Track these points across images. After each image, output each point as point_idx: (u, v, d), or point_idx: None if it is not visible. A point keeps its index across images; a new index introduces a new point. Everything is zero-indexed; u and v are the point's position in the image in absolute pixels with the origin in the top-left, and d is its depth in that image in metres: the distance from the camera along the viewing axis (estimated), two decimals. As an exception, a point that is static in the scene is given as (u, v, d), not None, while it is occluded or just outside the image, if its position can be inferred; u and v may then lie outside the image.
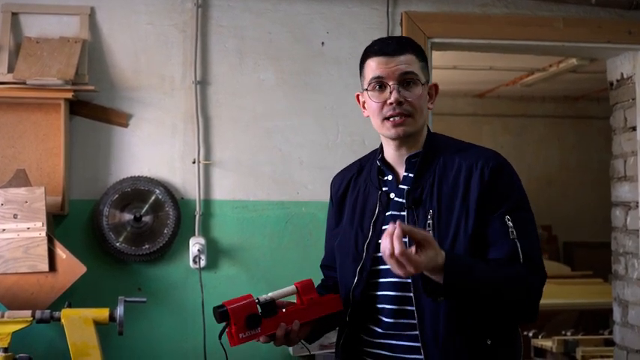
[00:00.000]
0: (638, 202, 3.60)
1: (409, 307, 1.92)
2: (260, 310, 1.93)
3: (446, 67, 6.07)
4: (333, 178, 2.20)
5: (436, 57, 3.84)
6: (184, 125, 3.30)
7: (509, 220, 1.90)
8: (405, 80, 1.95)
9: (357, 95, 2.06)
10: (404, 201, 1.97)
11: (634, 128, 3.64)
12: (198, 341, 3.21)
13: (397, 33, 3.42)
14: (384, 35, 3.38)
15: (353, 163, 2.19)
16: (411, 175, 1.99)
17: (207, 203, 3.30)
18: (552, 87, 7.22)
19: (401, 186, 2.00)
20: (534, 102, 8.05)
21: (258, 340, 1.94)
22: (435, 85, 2.06)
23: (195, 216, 3.27)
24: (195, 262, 3.24)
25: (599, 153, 7.20)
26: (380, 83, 1.96)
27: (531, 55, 4.01)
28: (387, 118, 1.96)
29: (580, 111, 8.12)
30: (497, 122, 8.06)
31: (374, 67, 1.96)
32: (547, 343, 4.87)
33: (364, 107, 2.04)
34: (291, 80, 3.39)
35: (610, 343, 4.24)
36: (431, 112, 3.38)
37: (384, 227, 1.91)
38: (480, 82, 7.04)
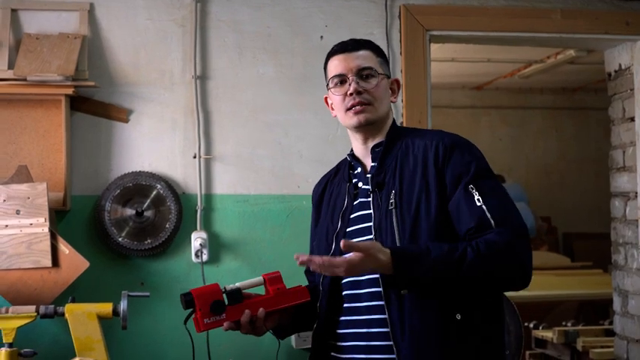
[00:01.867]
0: (637, 193, 3.61)
1: (377, 289, 1.96)
2: (225, 298, 1.98)
3: (444, 60, 6.09)
4: (314, 186, 2.31)
5: (434, 49, 3.85)
6: (184, 120, 3.32)
7: (472, 189, 1.94)
8: (363, 74, 2.07)
9: (326, 98, 2.19)
10: (370, 187, 2.04)
11: (632, 119, 3.65)
12: (201, 334, 3.21)
13: (395, 26, 3.43)
14: (383, 29, 3.40)
15: (332, 168, 2.29)
16: (376, 163, 2.08)
17: (208, 197, 3.32)
18: (550, 78, 7.23)
19: (368, 175, 2.08)
20: (532, 94, 8.06)
21: (225, 328, 1.98)
22: (397, 81, 2.17)
23: (196, 210, 3.29)
24: (197, 256, 3.26)
25: (598, 144, 7.23)
26: (341, 79, 2.09)
27: (529, 46, 4.02)
28: (349, 109, 2.07)
29: (578, 102, 8.13)
30: (496, 114, 8.08)
31: (335, 64, 2.10)
32: (548, 334, 4.89)
33: (332, 108, 2.15)
34: (291, 74, 3.40)
35: (610, 333, 4.25)
36: (429, 106, 3.42)
37: (352, 216, 2.06)
38: (478, 74, 7.06)
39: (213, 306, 1.96)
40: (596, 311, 5.66)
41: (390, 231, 1.95)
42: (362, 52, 2.09)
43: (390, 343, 1.92)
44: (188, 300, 1.97)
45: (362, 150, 2.13)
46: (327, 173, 2.28)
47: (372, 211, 2.01)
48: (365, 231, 2.02)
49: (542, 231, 7.48)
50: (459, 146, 2.01)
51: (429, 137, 2.05)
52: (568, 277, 6.27)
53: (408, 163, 2.01)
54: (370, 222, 2.00)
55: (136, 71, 3.30)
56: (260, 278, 2.04)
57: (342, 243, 1.82)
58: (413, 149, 2.04)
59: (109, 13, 3.29)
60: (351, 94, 2.05)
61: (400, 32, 3.43)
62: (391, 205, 1.97)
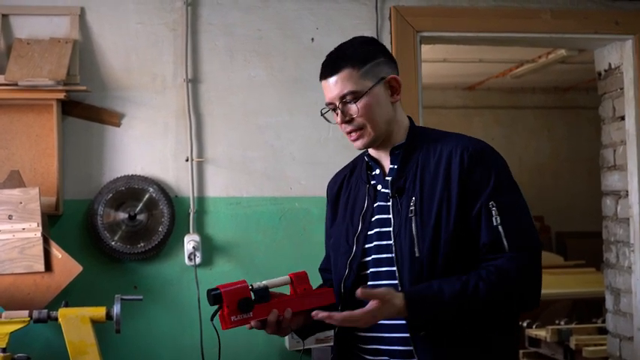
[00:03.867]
0: (628, 191, 3.63)
1: None
2: (253, 296, 1.95)
3: (435, 60, 6.09)
4: (329, 181, 2.27)
5: (425, 50, 3.86)
6: (176, 123, 3.32)
7: (492, 207, 1.93)
8: (345, 100, 2.01)
9: None
10: (389, 191, 2.02)
11: (623, 118, 3.67)
12: (195, 337, 3.23)
13: (386, 28, 3.44)
14: (373, 30, 3.41)
15: (347, 164, 2.25)
16: (395, 166, 2.05)
17: (201, 200, 3.32)
18: (542, 78, 7.25)
19: (387, 178, 2.06)
20: (524, 93, 8.07)
21: (250, 327, 1.96)
22: (394, 78, 2.06)
23: (189, 213, 3.29)
24: (190, 259, 3.26)
25: (590, 143, 7.23)
26: (331, 107, 2.06)
27: (519, 46, 4.03)
28: (348, 134, 2.05)
29: (570, 101, 8.15)
30: (488, 114, 8.09)
31: (324, 91, 2.06)
32: (541, 333, 4.91)
33: None
34: (282, 77, 3.40)
35: (603, 331, 4.27)
36: (421, 106, 3.43)
37: (372, 219, 2.03)
38: (469, 74, 7.07)
39: (241, 304, 1.92)
40: (590, 309, 5.69)
41: (409, 237, 1.95)
42: (340, 75, 2.00)
43: (411, 348, 1.93)
44: (216, 296, 1.92)
45: (379, 153, 2.10)
46: (343, 170, 2.24)
47: (391, 216, 2.00)
48: (384, 236, 2.01)
49: (535, 230, 7.48)
50: (484, 155, 1.98)
51: (454, 143, 2.00)
52: (561, 276, 6.29)
53: (429, 169, 1.99)
54: (389, 227, 1.98)
55: (128, 75, 3.30)
56: (287, 277, 2.01)
57: (358, 292, 1.84)
58: (435, 154, 2.00)
59: (100, 18, 3.30)
60: (341, 124, 2.03)
61: (391, 34, 3.44)
62: (411, 212, 1.96)
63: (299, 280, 2.01)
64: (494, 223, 1.91)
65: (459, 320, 1.90)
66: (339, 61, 2.02)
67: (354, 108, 2.00)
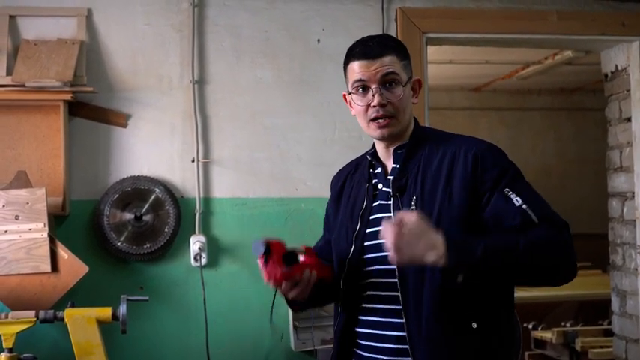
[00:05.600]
0: (634, 193, 3.62)
1: (394, 293, 1.96)
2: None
3: (442, 62, 6.09)
4: (333, 177, 2.27)
5: (432, 51, 3.86)
6: (183, 124, 3.33)
7: (509, 192, 1.92)
8: (387, 81, 1.99)
9: (344, 95, 2.10)
10: (390, 190, 2.02)
11: (629, 119, 3.66)
12: (201, 338, 3.23)
13: (392, 29, 3.44)
14: (380, 32, 3.40)
15: (351, 161, 2.25)
16: (397, 165, 2.05)
17: (207, 201, 3.33)
18: (548, 79, 7.23)
19: (389, 177, 2.06)
20: (530, 95, 8.06)
21: (286, 284, 1.94)
22: (418, 80, 2.09)
23: (195, 214, 3.30)
24: (196, 259, 3.26)
25: (596, 144, 7.21)
26: (363, 86, 2.00)
27: (526, 48, 4.03)
28: (373, 120, 2.01)
29: (576, 103, 8.13)
30: (494, 115, 8.07)
31: (356, 70, 2.00)
32: (547, 335, 4.89)
33: (351, 106, 2.08)
34: (288, 78, 3.41)
35: (609, 333, 4.26)
36: (427, 107, 3.43)
37: (371, 217, 2.03)
38: (476, 75, 7.06)
39: (286, 257, 1.93)
40: (596, 311, 5.66)
41: None
42: (386, 58, 1.98)
43: (406, 346, 1.93)
44: (267, 246, 1.92)
45: (384, 152, 2.09)
46: (347, 167, 2.24)
47: (391, 214, 1.99)
48: None
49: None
50: (490, 153, 1.98)
51: (458, 144, 2.00)
52: (567, 278, 6.26)
53: (431, 170, 1.99)
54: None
55: (134, 76, 3.31)
56: (302, 248, 2.02)
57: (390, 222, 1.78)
58: (438, 155, 2.00)
59: (107, 19, 3.31)
60: (374, 106, 1.99)
61: (397, 35, 3.44)
62: (411, 211, 1.95)
63: (309, 251, 2.03)
64: (517, 204, 1.90)
65: (495, 269, 1.85)
66: (388, 46, 2.02)
67: (397, 91, 1.99)
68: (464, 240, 1.85)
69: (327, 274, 2.05)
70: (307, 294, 1.99)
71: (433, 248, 1.79)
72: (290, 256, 1.94)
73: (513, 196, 1.91)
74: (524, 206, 1.90)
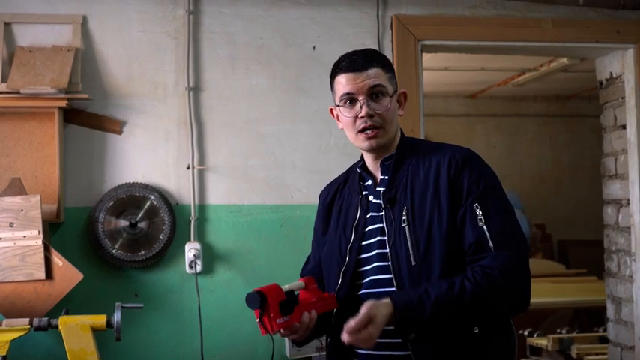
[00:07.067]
0: (629, 200, 3.63)
1: None
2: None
3: (437, 69, 6.11)
4: (322, 190, 2.28)
5: (427, 58, 3.87)
6: (178, 131, 3.33)
7: (477, 208, 1.96)
8: (374, 93, 2.04)
9: (331, 109, 2.15)
10: (381, 202, 2.05)
11: (624, 126, 3.67)
12: (196, 346, 3.23)
13: (388, 36, 3.45)
14: (375, 39, 3.41)
15: (340, 175, 2.27)
16: (386, 177, 2.08)
17: (202, 208, 3.32)
18: (544, 86, 7.26)
19: (378, 189, 2.09)
20: (526, 101, 8.08)
21: (282, 333, 1.92)
22: (404, 93, 2.13)
23: (190, 221, 3.29)
24: (191, 267, 3.26)
25: (592, 151, 7.24)
26: (350, 98, 2.05)
27: (521, 55, 4.04)
28: (361, 131, 2.05)
29: (572, 110, 8.16)
30: (490, 122, 8.10)
31: (344, 83, 2.05)
32: (542, 342, 4.90)
33: (338, 120, 2.12)
34: (283, 85, 3.41)
35: (604, 340, 4.26)
36: (422, 114, 3.43)
37: (366, 229, 2.06)
38: (471, 82, 7.08)
39: (282, 306, 1.88)
40: (591, 318, 5.68)
41: (404, 246, 1.98)
42: (372, 70, 2.04)
43: (409, 353, 1.94)
44: (262, 298, 1.85)
45: (373, 164, 2.13)
46: (336, 180, 2.26)
47: (384, 225, 2.03)
48: (380, 244, 2.03)
49: (536, 238, 7.50)
50: (470, 162, 2.02)
51: (442, 153, 2.05)
52: (563, 284, 6.28)
53: (419, 179, 2.02)
54: (384, 236, 2.01)
55: (129, 83, 3.31)
56: (301, 282, 2.01)
57: (343, 336, 1.84)
58: (425, 165, 2.04)
59: (102, 26, 3.30)
60: (362, 117, 2.03)
61: (392, 42, 3.44)
62: (404, 222, 1.99)
63: (310, 282, 2.02)
64: (479, 224, 1.95)
65: (446, 321, 1.91)
66: (373, 59, 2.06)
67: (384, 102, 2.03)
68: (411, 301, 1.89)
69: (328, 307, 2.01)
70: (308, 333, 2.00)
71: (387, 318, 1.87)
72: (287, 303, 1.89)
73: (479, 213, 1.96)
74: (484, 228, 1.95)
